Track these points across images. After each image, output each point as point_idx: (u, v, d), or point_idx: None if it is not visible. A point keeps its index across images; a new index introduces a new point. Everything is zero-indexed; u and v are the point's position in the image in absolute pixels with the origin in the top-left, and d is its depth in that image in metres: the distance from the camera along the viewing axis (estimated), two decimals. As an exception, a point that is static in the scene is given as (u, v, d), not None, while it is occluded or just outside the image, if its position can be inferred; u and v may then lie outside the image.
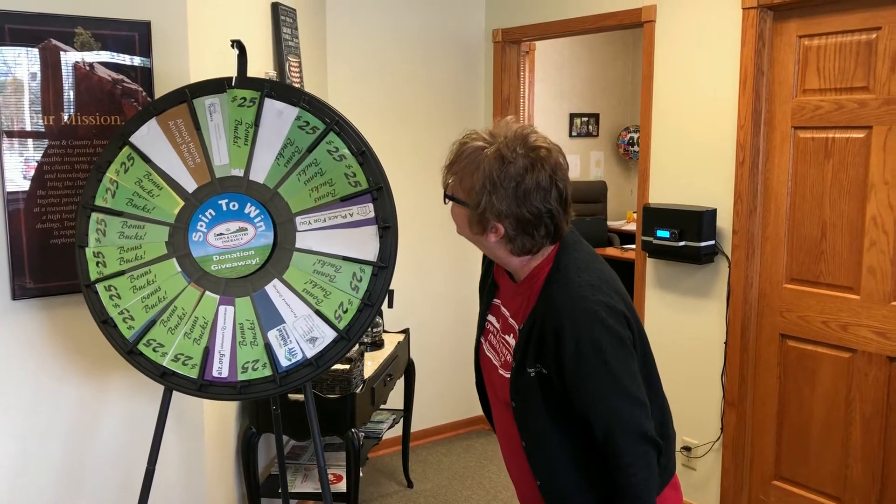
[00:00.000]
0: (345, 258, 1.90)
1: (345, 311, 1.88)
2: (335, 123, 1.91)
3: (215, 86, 1.95)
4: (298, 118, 1.92)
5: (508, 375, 1.58)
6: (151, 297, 1.91)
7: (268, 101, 1.92)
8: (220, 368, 1.89)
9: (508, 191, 1.44)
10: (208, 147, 1.93)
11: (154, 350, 1.90)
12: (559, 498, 1.57)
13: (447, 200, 1.55)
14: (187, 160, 1.93)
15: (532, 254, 1.53)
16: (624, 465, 1.46)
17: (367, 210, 1.90)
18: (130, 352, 1.90)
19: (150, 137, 1.94)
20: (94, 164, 1.97)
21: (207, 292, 1.90)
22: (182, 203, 1.93)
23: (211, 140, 1.93)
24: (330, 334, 1.88)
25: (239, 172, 1.92)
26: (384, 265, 1.89)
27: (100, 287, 1.92)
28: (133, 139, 1.94)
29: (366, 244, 1.90)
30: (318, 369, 1.88)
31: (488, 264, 1.76)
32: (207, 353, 1.89)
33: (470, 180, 1.48)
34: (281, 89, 1.94)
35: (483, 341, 1.71)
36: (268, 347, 1.88)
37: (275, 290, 1.90)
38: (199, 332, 1.89)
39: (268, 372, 1.88)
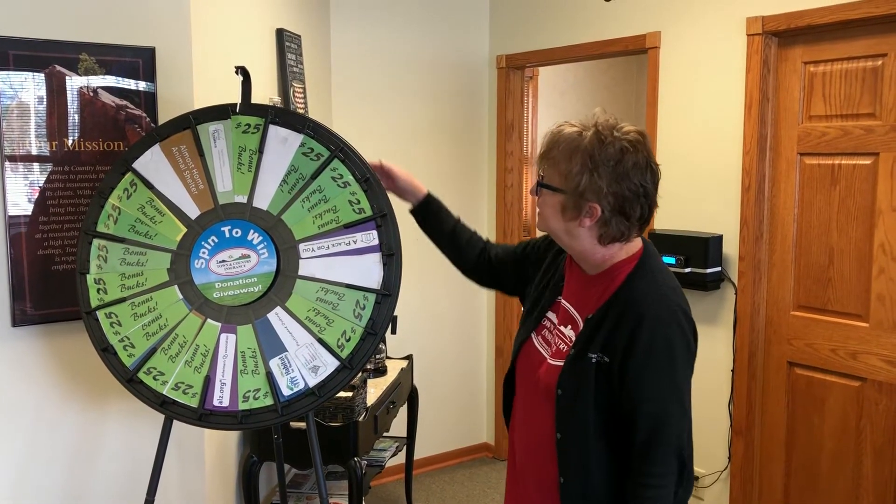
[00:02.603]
0: (348, 286, 1.87)
1: (347, 340, 1.86)
2: (340, 150, 1.90)
3: (219, 112, 1.94)
4: (303, 145, 1.91)
5: (558, 363, 1.58)
6: (152, 324, 1.88)
7: (272, 128, 1.91)
8: (220, 397, 1.86)
9: (608, 168, 1.48)
10: (212, 173, 1.92)
11: (154, 378, 1.87)
12: (581, 497, 1.56)
13: (539, 191, 1.58)
14: (190, 186, 1.92)
15: (622, 241, 1.55)
16: (654, 475, 1.47)
17: (371, 237, 1.88)
18: (130, 380, 1.88)
19: (153, 163, 1.93)
20: (97, 190, 1.96)
21: (209, 320, 1.88)
22: (185, 230, 1.91)
23: (214, 166, 1.92)
24: (332, 363, 1.85)
25: (242, 199, 1.91)
26: (388, 293, 1.87)
27: (100, 314, 1.90)
28: (136, 165, 1.93)
29: (369, 272, 1.87)
30: (319, 398, 1.85)
31: (551, 260, 1.75)
32: (208, 382, 1.86)
33: (568, 164, 1.50)
34: (285, 116, 1.93)
35: (534, 336, 1.69)
36: (269, 376, 1.85)
37: (277, 318, 1.87)
38: (199, 361, 1.87)
39: (269, 401, 1.85)
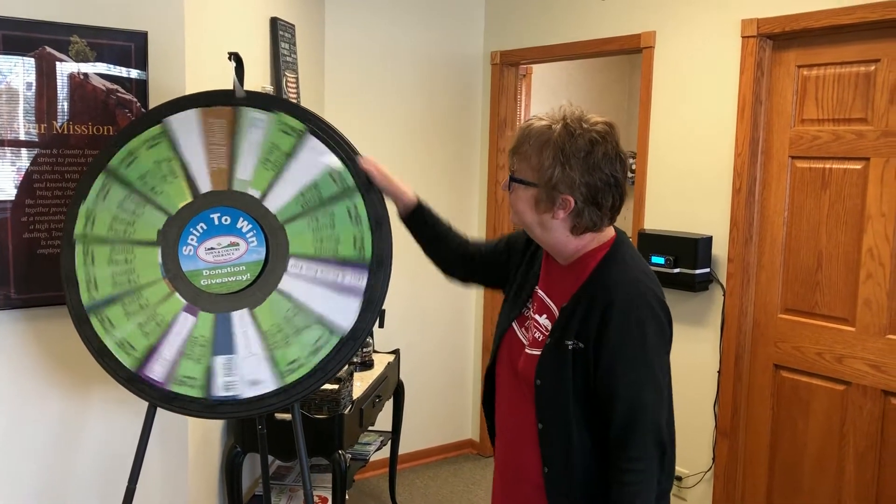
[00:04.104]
0: (319, 317, 1.86)
1: (296, 368, 1.84)
2: (366, 189, 1.88)
3: (267, 102, 1.91)
4: (331, 167, 1.88)
5: (535, 353, 1.59)
6: (122, 275, 1.87)
7: (310, 138, 1.88)
8: (157, 371, 1.86)
9: (579, 160, 1.50)
10: (236, 157, 1.89)
11: (103, 327, 1.86)
12: (565, 486, 1.56)
13: (512, 185, 1.59)
14: (211, 162, 1.89)
15: (594, 231, 1.57)
16: (634, 459, 1.48)
17: (360, 280, 1.86)
18: (79, 318, 1.87)
19: (185, 125, 1.89)
20: (120, 132, 1.91)
21: (176, 294, 1.87)
22: (190, 199, 1.88)
23: (242, 152, 1.88)
24: (272, 384, 1.84)
25: (256, 194, 1.88)
26: (353, 339, 1.85)
27: (80, 244, 1.87)
28: (170, 119, 1.90)
29: (344, 312, 1.86)
30: (246, 412, 1.85)
31: (534, 250, 1.75)
32: (151, 352, 1.85)
33: (539, 157, 1.53)
34: (327, 133, 1.89)
35: (515, 325, 1.70)
36: (208, 371, 1.84)
37: (240, 319, 1.86)
38: (152, 328, 1.85)
39: (199, 394, 1.84)
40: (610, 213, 1.57)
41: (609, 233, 1.62)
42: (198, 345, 1.85)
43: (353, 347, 1.85)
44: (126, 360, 1.85)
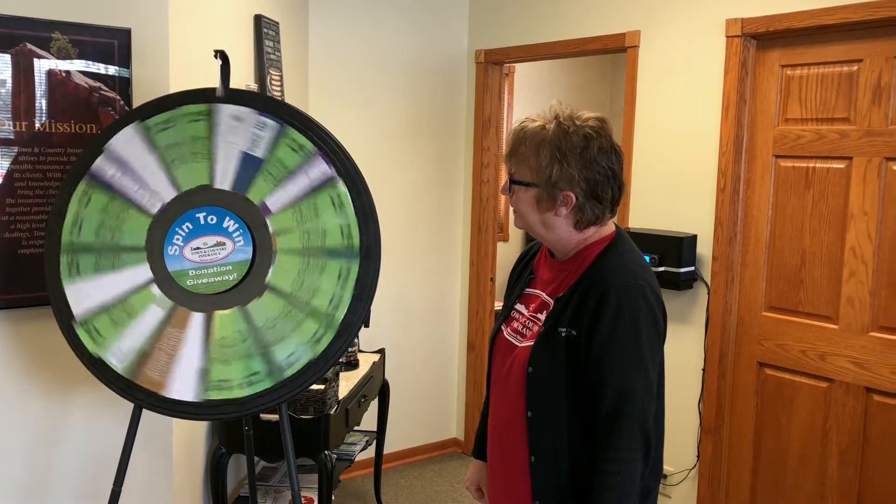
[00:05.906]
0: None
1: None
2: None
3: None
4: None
5: (530, 344, 1.61)
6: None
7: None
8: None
9: (576, 156, 1.54)
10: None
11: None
12: (551, 475, 1.57)
13: (512, 188, 1.62)
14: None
15: (597, 225, 1.60)
16: (618, 448, 1.49)
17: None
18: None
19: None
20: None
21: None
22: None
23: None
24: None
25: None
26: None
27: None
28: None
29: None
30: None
31: (528, 258, 1.80)
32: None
33: (536, 158, 1.57)
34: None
35: (504, 328, 1.72)
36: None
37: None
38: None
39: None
40: (611, 206, 1.60)
41: (609, 227, 1.65)
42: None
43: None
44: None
